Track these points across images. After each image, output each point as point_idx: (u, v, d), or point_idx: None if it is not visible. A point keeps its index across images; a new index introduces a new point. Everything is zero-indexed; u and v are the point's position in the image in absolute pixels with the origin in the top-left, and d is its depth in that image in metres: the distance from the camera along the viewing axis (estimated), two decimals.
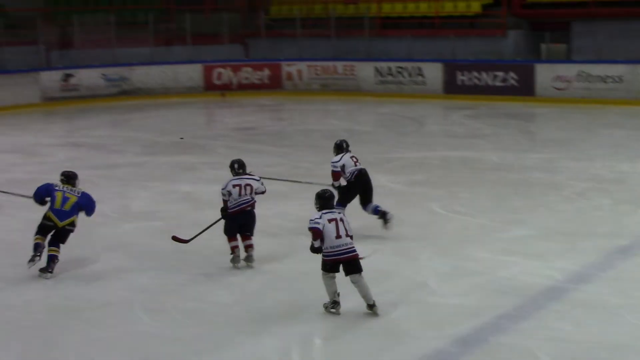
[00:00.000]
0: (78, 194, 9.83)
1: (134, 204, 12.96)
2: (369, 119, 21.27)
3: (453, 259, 9.82)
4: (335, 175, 10.82)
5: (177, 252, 10.15)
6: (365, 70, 24.53)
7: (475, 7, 24.78)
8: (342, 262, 8.03)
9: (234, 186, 9.71)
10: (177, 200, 13.24)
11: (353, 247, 8.07)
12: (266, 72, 25.53)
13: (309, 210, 8.48)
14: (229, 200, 9.77)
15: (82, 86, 24.11)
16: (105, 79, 24.15)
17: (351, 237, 8.11)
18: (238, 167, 9.90)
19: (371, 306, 8.05)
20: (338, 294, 8.12)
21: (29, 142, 18.46)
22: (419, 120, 20.45)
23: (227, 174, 9.90)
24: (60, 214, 9.65)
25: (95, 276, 9.61)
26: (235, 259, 9.75)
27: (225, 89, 25.40)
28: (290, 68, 25.43)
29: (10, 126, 20.40)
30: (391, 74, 24.17)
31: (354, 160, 10.82)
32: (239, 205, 9.71)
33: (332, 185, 10.72)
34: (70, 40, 24.96)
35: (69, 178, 10.07)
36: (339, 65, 24.81)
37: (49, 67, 24.70)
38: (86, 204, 9.86)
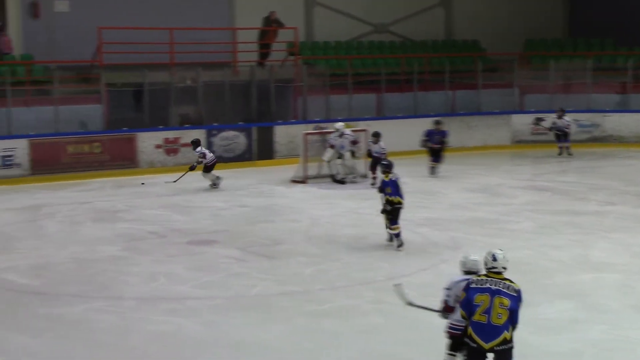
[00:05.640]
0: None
1: (593, 254, 12.44)
2: None
3: None
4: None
5: (630, 308, 9.51)
6: None
7: None
8: None
9: None
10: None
11: None
12: None
13: None
14: None
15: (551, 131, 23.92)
16: (577, 125, 23.73)
17: None
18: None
19: None
20: None
21: (495, 182, 18.72)
22: None
23: None
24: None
25: (547, 324, 9.35)
26: None
27: None
28: None
29: (479, 166, 20.86)
30: None
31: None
32: None
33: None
34: (544, 84, 24.99)
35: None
36: None
37: (521, 110, 24.97)
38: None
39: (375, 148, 18.13)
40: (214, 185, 18.10)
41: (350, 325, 9.52)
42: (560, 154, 22.29)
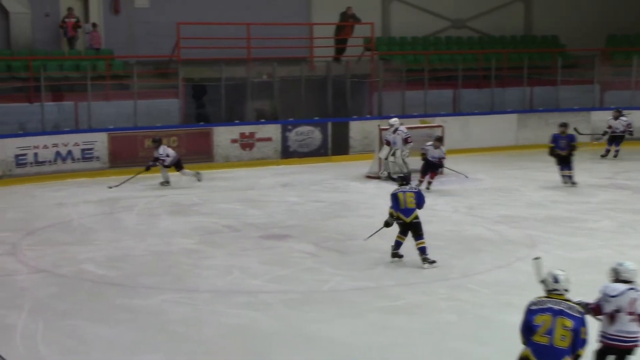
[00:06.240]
0: None
1: None
2: None
3: None
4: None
5: None
6: None
7: None
8: None
9: None
10: None
11: None
12: None
13: None
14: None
15: (635, 128, 23.37)
16: None
17: None
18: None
19: None
20: None
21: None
22: None
23: None
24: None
25: None
26: None
27: None
28: None
29: (552, 163, 20.51)
30: None
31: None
32: None
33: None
34: (626, 80, 24.46)
35: None
36: None
37: (601, 107, 24.48)
38: None
39: (435, 153, 17.14)
40: (198, 179, 18.02)
41: (422, 322, 9.47)
42: (604, 156, 21.36)
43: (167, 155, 17.88)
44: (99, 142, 19.45)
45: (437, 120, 21.13)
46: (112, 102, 20.52)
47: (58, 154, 18.96)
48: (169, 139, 20.06)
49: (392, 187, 17.47)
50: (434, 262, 11.56)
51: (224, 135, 20.70)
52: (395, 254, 11.79)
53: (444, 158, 17.33)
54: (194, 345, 8.86)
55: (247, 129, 21.07)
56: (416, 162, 17.91)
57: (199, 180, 18.07)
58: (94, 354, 8.70)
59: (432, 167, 17.15)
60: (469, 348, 8.72)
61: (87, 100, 19.76)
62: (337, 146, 21.83)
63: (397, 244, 11.79)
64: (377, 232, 12.38)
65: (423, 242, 11.62)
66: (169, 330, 9.26)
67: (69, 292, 10.72)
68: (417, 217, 11.62)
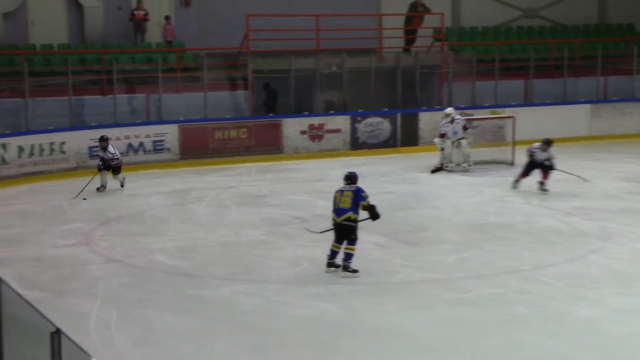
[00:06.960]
0: None
1: None
2: None
3: None
4: None
5: None
6: None
7: None
8: None
9: None
10: None
11: None
12: None
13: None
14: None
15: None
16: None
17: None
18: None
19: None
20: None
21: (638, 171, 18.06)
22: None
23: None
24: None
25: None
26: None
27: None
28: None
29: (633, 154, 20.09)
30: None
31: None
32: None
33: None
34: None
35: None
36: None
37: None
38: None
39: (541, 156, 15.94)
40: (122, 185, 17.03)
41: (492, 315, 9.36)
42: None
43: (115, 155, 16.88)
44: (170, 133, 19.67)
45: (508, 111, 20.88)
46: (182, 95, 20.73)
47: (130, 145, 19.23)
48: (238, 130, 20.21)
49: (464, 178, 17.63)
50: (355, 271, 10.71)
51: (293, 127, 20.76)
52: (331, 264, 10.89)
53: (553, 157, 16.07)
54: (264, 336, 8.90)
55: (316, 120, 21.08)
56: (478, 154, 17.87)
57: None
58: (166, 343, 8.79)
59: (542, 168, 16.05)
60: (539, 341, 8.58)
61: (158, 92, 20.00)
62: (406, 137, 21.71)
63: (333, 253, 10.89)
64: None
65: (352, 249, 10.72)
66: (239, 321, 9.32)
67: (141, 282, 10.86)
68: (349, 220, 10.71)
